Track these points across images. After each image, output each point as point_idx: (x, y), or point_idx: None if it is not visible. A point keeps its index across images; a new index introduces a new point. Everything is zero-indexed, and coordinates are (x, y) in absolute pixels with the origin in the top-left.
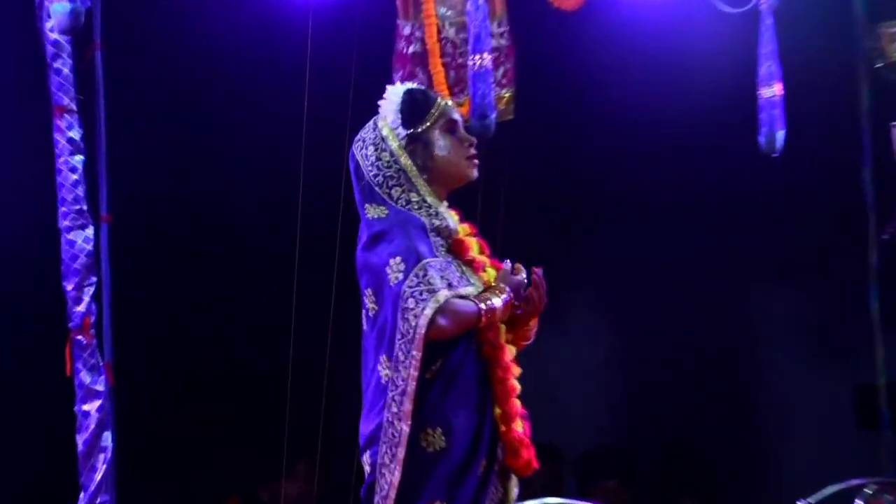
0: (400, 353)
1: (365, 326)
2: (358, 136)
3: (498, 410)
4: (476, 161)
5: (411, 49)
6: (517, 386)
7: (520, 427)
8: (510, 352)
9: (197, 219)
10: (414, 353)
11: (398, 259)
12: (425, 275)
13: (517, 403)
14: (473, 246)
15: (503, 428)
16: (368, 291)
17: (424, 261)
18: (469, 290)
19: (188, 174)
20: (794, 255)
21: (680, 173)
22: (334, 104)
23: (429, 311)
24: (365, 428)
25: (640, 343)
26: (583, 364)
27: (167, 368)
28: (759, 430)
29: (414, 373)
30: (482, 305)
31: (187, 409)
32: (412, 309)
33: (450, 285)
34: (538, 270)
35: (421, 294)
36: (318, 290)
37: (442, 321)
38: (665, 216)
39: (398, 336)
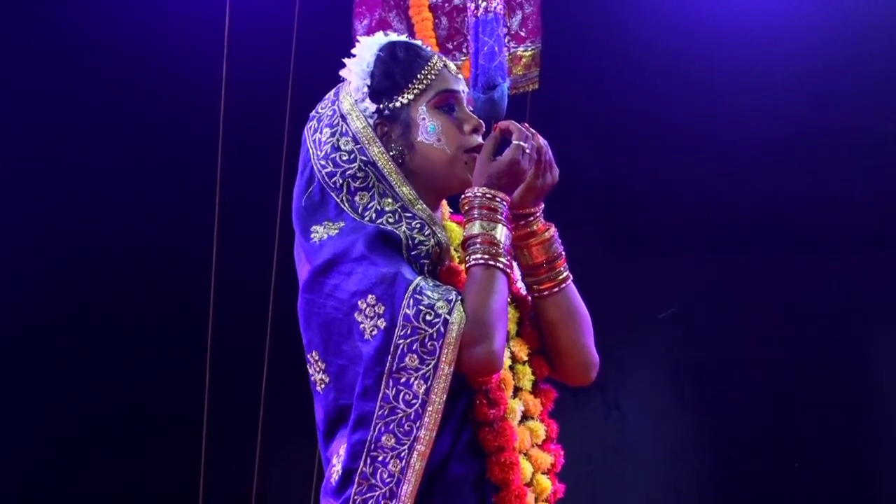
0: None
1: (317, 411)
2: (312, 113)
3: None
4: None
5: None
6: (541, 458)
7: None
8: (524, 406)
9: (77, 251)
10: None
11: (371, 298)
12: (429, 303)
13: (538, 483)
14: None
15: None
16: (314, 355)
17: (416, 280)
18: None
19: (72, 187)
20: None
21: (798, 179)
22: (270, 71)
23: (451, 336)
24: None
25: (725, 424)
26: (644, 457)
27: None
28: None
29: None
30: (497, 262)
31: None
32: (415, 371)
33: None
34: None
35: (429, 331)
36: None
37: (480, 347)
38: (767, 243)
39: (392, 424)
